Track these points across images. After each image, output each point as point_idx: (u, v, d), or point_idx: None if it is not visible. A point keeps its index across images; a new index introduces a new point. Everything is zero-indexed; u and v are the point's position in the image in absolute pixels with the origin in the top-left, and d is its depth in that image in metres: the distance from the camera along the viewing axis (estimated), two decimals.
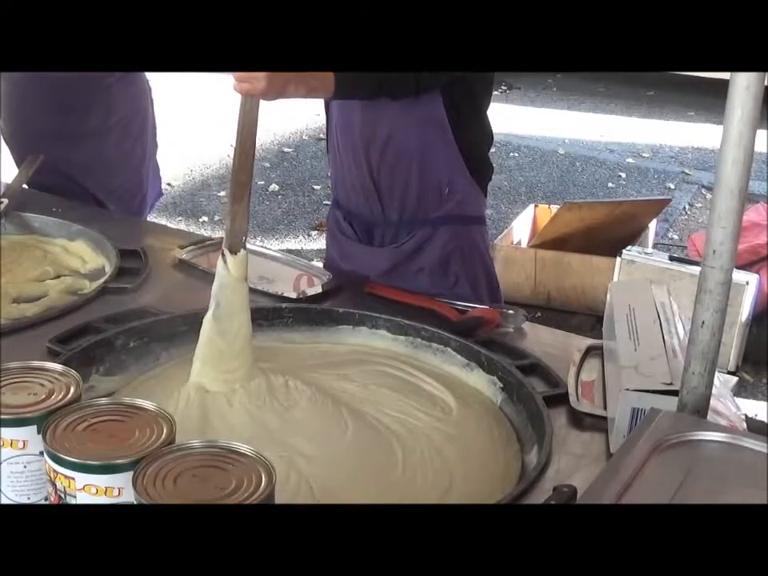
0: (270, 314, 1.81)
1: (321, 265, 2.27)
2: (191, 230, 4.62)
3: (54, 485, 1.07)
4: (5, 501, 1.16)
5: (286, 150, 6.14)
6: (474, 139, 2.01)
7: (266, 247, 2.29)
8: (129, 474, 1.03)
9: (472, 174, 2.01)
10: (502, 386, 1.62)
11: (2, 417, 1.13)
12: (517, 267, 4.17)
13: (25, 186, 2.37)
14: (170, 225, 4.59)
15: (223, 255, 1.59)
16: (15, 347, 1.64)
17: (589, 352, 1.71)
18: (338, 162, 2.10)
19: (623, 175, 5.93)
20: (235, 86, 1.58)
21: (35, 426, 1.13)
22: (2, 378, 1.20)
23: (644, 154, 6.28)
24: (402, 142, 1.96)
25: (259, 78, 1.56)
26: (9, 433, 1.13)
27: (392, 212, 2.05)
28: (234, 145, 1.60)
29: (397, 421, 1.54)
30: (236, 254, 1.59)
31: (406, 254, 2.05)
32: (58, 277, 2.02)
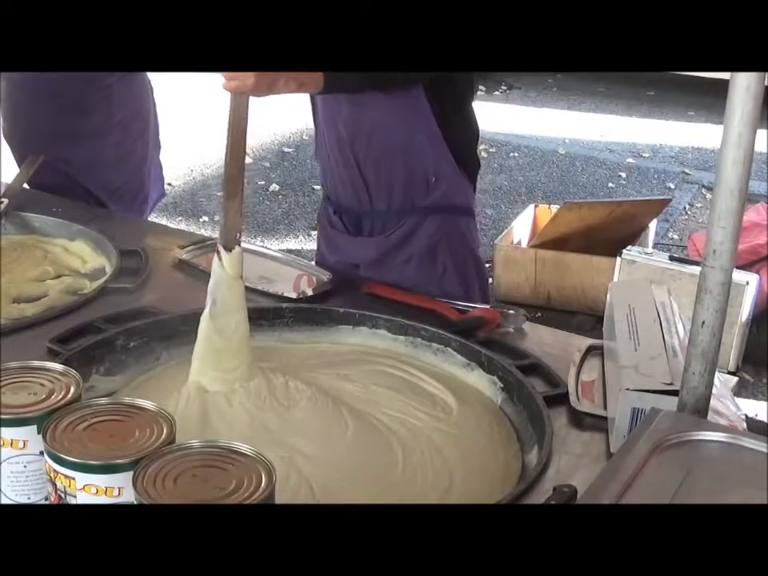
0: (270, 313, 1.81)
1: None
2: (191, 230, 4.62)
3: (54, 485, 1.07)
4: (5, 501, 1.16)
5: (286, 150, 6.14)
6: (458, 131, 2.02)
7: (266, 247, 2.29)
8: (129, 474, 1.03)
9: (458, 165, 2.02)
10: (502, 385, 1.62)
11: (2, 417, 1.13)
12: (517, 267, 4.17)
13: (25, 185, 2.37)
14: (170, 225, 4.59)
15: (218, 252, 1.59)
16: (15, 347, 1.64)
17: (589, 352, 1.71)
18: (325, 156, 2.10)
19: (623, 175, 5.93)
20: (224, 84, 1.58)
21: (35, 426, 1.13)
22: (2, 378, 1.20)
23: (644, 154, 6.28)
24: (387, 132, 1.96)
25: (248, 76, 1.56)
26: (9, 433, 1.13)
27: (380, 202, 2.06)
28: (225, 142, 1.59)
29: (397, 421, 1.54)
30: (231, 251, 1.58)
31: (394, 243, 2.06)
32: (58, 277, 2.02)
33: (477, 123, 2.08)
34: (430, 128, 1.96)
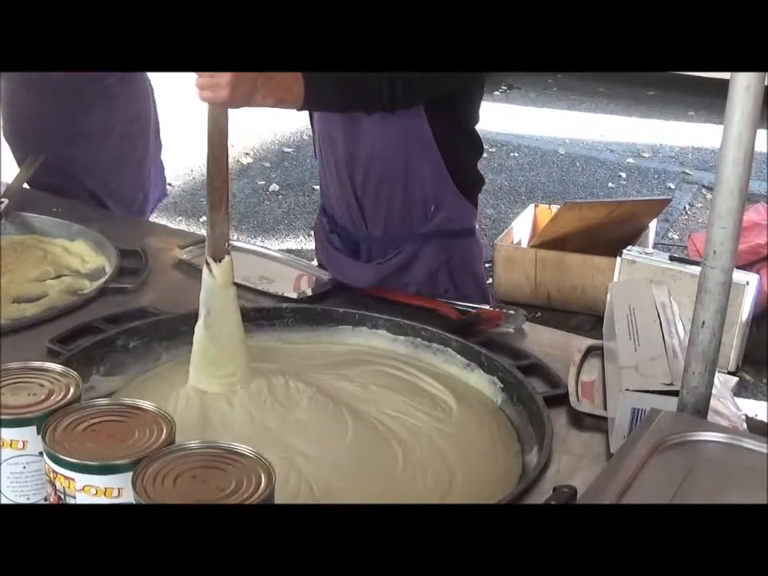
0: (270, 313, 1.80)
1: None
2: (191, 230, 4.62)
3: (53, 485, 1.07)
4: (5, 501, 1.16)
5: (286, 149, 6.13)
6: (461, 154, 1.97)
7: (266, 247, 2.29)
8: (128, 475, 1.03)
9: (460, 188, 1.98)
10: (502, 386, 1.62)
11: (2, 417, 1.13)
12: (517, 267, 4.17)
13: (25, 185, 2.37)
14: (170, 225, 4.59)
15: (207, 264, 1.58)
16: (15, 347, 1.64)
17: (589, 352, 1.71)
18: (324, 173, 2.08)
19: (623, 175, 5.93)
20: (198, 94, 1.57)
21: (35, 427, 1.13)
22: (2, 378, 1.20)
23: (644, 154, 6.28)
24: (386, 160, 1.93)
25: (221, 87, 1.54)
26: (9, 433, 1.13)
27: (376, 229, 2.03)
28: (207, 153, 1.59)
29: (397, 421, 1.54)
30: (219, 261, 1.58)
31: (392, 270, 2.03)
32: (59, 277, 2.02)
33: (481, 141, 2.03)
34: (431, 155, 1.92)
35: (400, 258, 2.02)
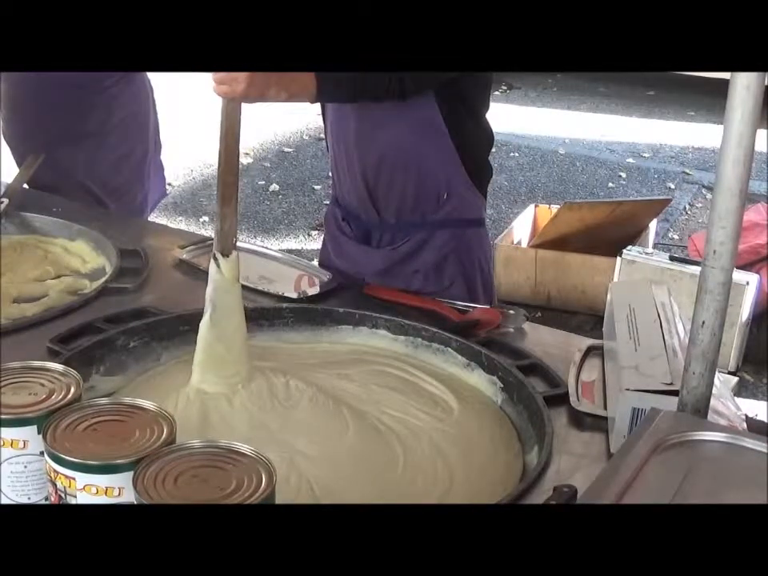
0: (270, 313, 1.81)
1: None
2: (191, 230, 4.62)
3: (54, 485, 1.07)
4: (5, 501, 1.16)
5: (286, 149, 6.14)
6: (472, 142, 1.99)
7: (266, 247, 2.29)
8: (129, 474, 1.03)
9: (471, 177, 2.00)
10: (502, 386, 1.62)
11: (3, 417, 1.13)
12: (517, 267, 4.17)
13: (25, 185, 2.38)
14: (170, 225, 4.59)
15: (215, 259, 1.58)
16: (15, 347, 1.64)
17: (589, 352, 1.71)
18: (335, 165, 2.09)
19: (623, 175, 5.93)
20: (214, 88, 1.57)
21: (36, 426, 1.13)
22: (3, 378, 1.20)
23: (644, 154, 6.29)
24: (399, 151, 1.94)
25: (239, 81, 1.55)
26: (9, 433, 1.13)
27: (388, 216, 2.05)
28: (219, 147, 1.59)
29: (398, 421, 1.54)
30: (228, 256, 1.58)
31: (402, 255, 2.05)
32: (59, 277, 2.02)
33: (491, 131, 2.05)
34: (442, 142, 1.93)
35: (410, 244, 2.04)
